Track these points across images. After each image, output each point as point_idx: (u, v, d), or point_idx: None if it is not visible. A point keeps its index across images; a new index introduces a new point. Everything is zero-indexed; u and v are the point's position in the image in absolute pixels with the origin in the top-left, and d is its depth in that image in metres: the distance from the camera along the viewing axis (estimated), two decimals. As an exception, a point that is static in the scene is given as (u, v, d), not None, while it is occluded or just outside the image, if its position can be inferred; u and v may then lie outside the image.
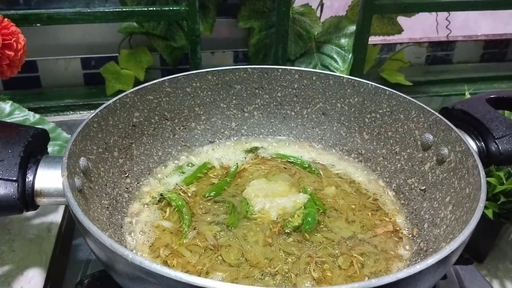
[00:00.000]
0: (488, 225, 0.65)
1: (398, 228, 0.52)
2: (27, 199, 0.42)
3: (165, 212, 0.53)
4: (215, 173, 0.60)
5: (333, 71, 0.90)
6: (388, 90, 0.59)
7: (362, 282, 0.28)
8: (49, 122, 0.61)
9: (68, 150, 0.42)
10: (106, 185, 0.51)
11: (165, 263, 0.46)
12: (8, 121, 0.59)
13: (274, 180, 0.58)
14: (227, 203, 0.54)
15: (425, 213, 0.51)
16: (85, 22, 0.77)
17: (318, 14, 0.97)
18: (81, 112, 0.88)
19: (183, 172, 0.60)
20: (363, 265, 0.46)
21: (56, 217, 0.62)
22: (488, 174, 0.64)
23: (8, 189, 0.40)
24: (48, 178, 0.42)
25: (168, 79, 0.60)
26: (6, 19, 0.54)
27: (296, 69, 0.65)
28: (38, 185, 0.42)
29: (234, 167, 0.61)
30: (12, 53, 0.53)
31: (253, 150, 0.65)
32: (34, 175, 0.42)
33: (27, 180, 0.42)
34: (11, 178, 0.40)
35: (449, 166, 0.49)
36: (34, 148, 0.44)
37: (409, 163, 0.56)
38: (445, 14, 1.07)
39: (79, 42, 0.92)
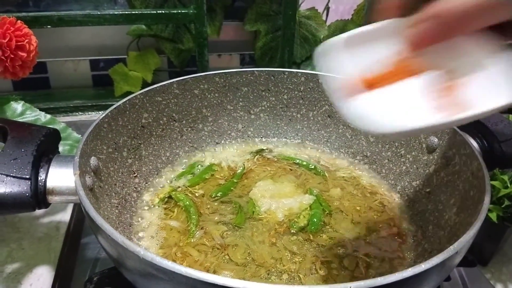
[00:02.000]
0: (492, 229, 0.65)
1: (402, 230, 0.52)
2: (39, 197, 0.42)
3: (173, 212, 0.54)
4: (221, 174, 0.61)
5: (338, 74, 0.90)
6: (394, 94, 0.59)
7: (368, 281, 0.29)
8: (60, 122, 0.62)
9: (80, 149, 0.43)
10: (116, 184, 0.52)
11: (173, 261, 0.46)
12: (20, 121, 0.60)
13: (280, 181, 0.59)
14: (234, 203, 0.55)
15: (429, 215, 0.51)
16: (94, 25, 0.78)
17: (324, 17, 0.97)
18: (89, 113, 0.89)
19: (190, 173, 0.61)
20: (368, 266, 0.47)
21: (65, 216, 0.63)
22: (492, 178, 0.64)
23: (22, 187, 0.41)
24: (60, 176, 0.43)
25: (176, 81, 0.60)
26: (19, 21, 0.55)
27: (302, 72, 0.65)
28: (50, 183, 0.43)
29: (241, 168, 0.61)
30: (24, 54, 0.54)
31: (259, 151, 0.66)
32: (46, 173, 0.43)
33: (39, 178, 0.43)
34: (24, 176, 0.41)
35: (454, 169, 0.50)
36: (46, 147, 0.45)
37: (414, 166, 0.57)
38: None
39: (88, 44, 0.93)
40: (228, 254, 0.47)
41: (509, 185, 0.62)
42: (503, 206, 0.62)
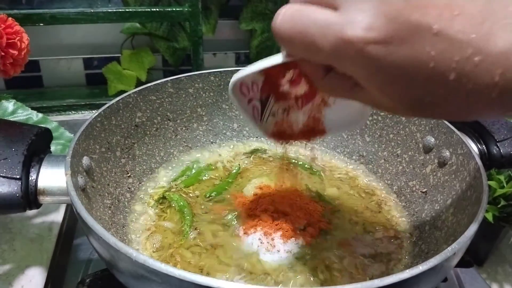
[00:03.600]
0: (488, 229, 0.65)
1: (399, 230, 0.52)
2: (30, 197, 0.42)
3: (167, 212, 0.53)
4: (216, 174, 0.60)
5: (334, 74, 0.90)
6: (390, 93, 0.59)
7: (365, 283, 0.29)
8: (52, 121, 0.61)
9: (72, 149, 0.43)
10: (109, 184, 0.51)
11: (167, 263, 0.46)
12: (11, 119, 0.59)
13: (275, 180, 0.58)
14: (227, 202, 0.54)
15: (426, 215, 0.51)
16: (88, 22, 0.77)
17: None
18: (83, 112, 0.88)
19: (185, 173, 0.60)
20: (365, 267, 0.46)
21: (57, 216, 0.62)
22: (488, 177, 0.63)
23: (12, 187, 0.40)
24: (51, 176, 0.42)
25: (171, 79, 0.60)
26: (10, 18, 0.54)
27: (298, 71, 0.65)
28: (41, 184, 0.42)
29: (236, 168, 0.61)
30: (16, 52, 0.53)
31: (255, 151, 0.65)
32: (37, 173, 0.42)
33: (30, 178, 0.42)
34: (14, 176, 0.40)
35: (451, 168, 0.49)
36: (38, 146, 0.44)
37: (411, 166, 0.56)
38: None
39: (82, 42, 0.92)
40: (222, 254, 0.46)
41: (505, 185, 0.62)
42: (499, 206, 0.62)
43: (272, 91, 0.42)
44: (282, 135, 0.45)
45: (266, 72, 0.40)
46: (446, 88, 0.24)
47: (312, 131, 0.45)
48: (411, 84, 0.25)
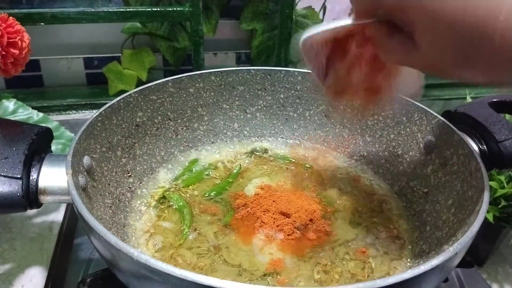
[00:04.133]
0: (489, 229, 0.65)
1: (400, 231, 0.52)
2: (31, 196, 0.41)
3: (167, 212, 0.53)
4: (217, 174, 0.60)
5: (335, 74, 0.90)
6: (391, 93, 0.59)
7: (367, 282, 0.28)
8: (53, 121, 0.61)
9: (73, 148, 0.42)
10: (109, 184, 0.51)
11: (167, 263, 0.45)
12: (12, 119, 0.59)
13: (276, 180, 0.58)
14: (225, 202, 0.54)
15: (427, 215, 0.51)
16: (88, 22, 0.77)
17: (320, 16, 0.97)
18: (83, 111, 0.88)
19: (185, 173, 0.60)
20: (367, 268, 0.46)
21: (58, 216, 0.62)
22: (489, 178, 0.64)
23: (13, 186, 0.40)
24: (52, 176, 0.42)
25: (171, 79, 0.60)
26: (11, 18, 0.54)
27: (299, 71, 0.65)
28: (42, 183, 0.42)
29: (237, 167, 0.61)
30: (16, 52, 0.53)
31: (255, 151, 0.65)
32: (38, 173, 0.42)
33: (31, 178, 0.42)
34: (15, 176, 0.40)
35: (452, 169, 0.49)
36: (38, 146, 0.44)
37: (412, 166, 0.56)
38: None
39: (82, 41, 0.92)
40: (222, 255, 0.46)
41: (505, 185, 0.62)
42: (499, 206, 0.62)
43: (339, 54, 0.44)
44: (339, 91, 0.47)
45: (334, 37, 0.43)
46: (490, 47, 0.26)
47: (369, 93, 0.46)
48: (457, 40, 0.27)
